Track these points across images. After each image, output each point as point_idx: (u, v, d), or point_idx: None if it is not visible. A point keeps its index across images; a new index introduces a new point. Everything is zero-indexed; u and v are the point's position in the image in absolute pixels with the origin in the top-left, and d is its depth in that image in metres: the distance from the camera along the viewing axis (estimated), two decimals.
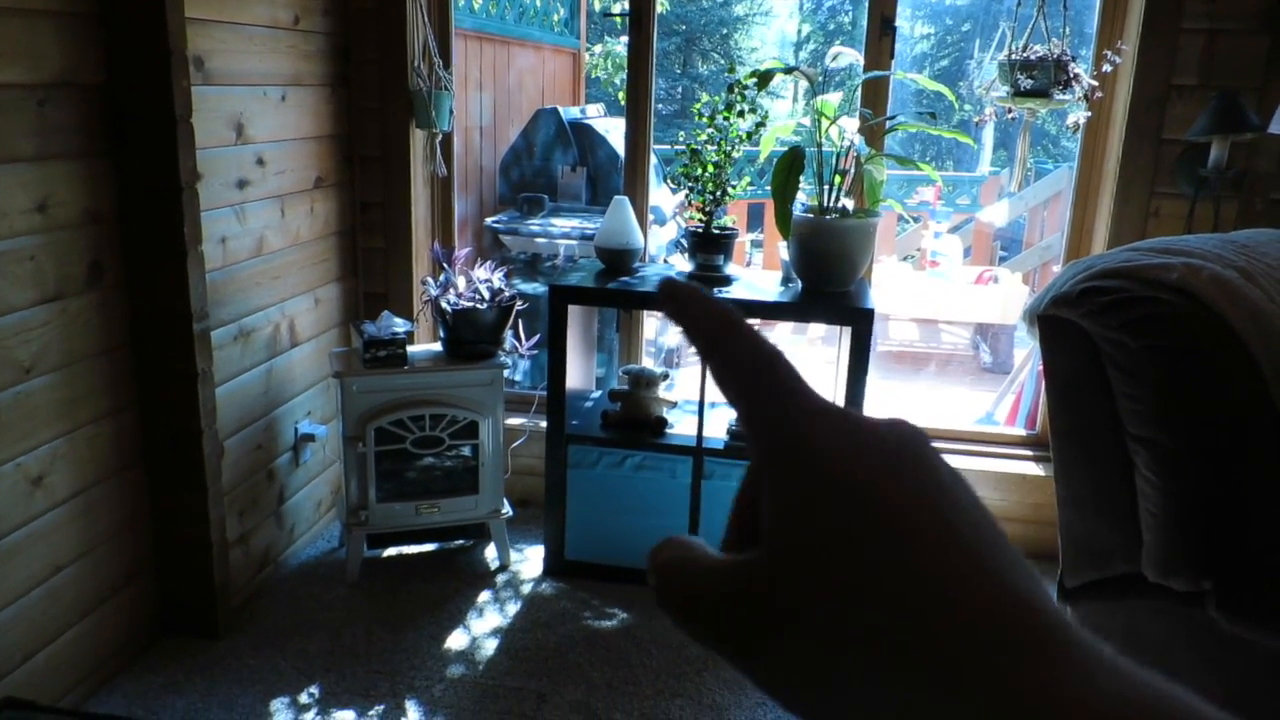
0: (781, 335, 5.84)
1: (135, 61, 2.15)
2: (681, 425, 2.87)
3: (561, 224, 3.89)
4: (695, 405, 2.80)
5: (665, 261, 4.16)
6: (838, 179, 2.67)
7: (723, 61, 13.27)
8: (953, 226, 6.71)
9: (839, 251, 2.62)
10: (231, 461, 2.56)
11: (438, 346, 2.85)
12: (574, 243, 3.84)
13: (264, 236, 2.63)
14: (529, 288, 3.81)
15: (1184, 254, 1.96)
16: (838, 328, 2.84)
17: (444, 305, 2.72)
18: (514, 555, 2.99)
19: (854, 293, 2.69)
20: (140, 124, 2.18)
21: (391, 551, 2.99)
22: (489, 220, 3.94)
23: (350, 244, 3.12)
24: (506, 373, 3.04)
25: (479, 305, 2.75)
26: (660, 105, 13.16)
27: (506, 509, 2.91)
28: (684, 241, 2.94)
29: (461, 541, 3.04)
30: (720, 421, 2.87)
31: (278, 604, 2.69)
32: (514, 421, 3.27)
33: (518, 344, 2.95)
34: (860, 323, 2.55)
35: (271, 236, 2.67)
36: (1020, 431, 3.25)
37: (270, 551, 2.80)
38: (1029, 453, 3.16)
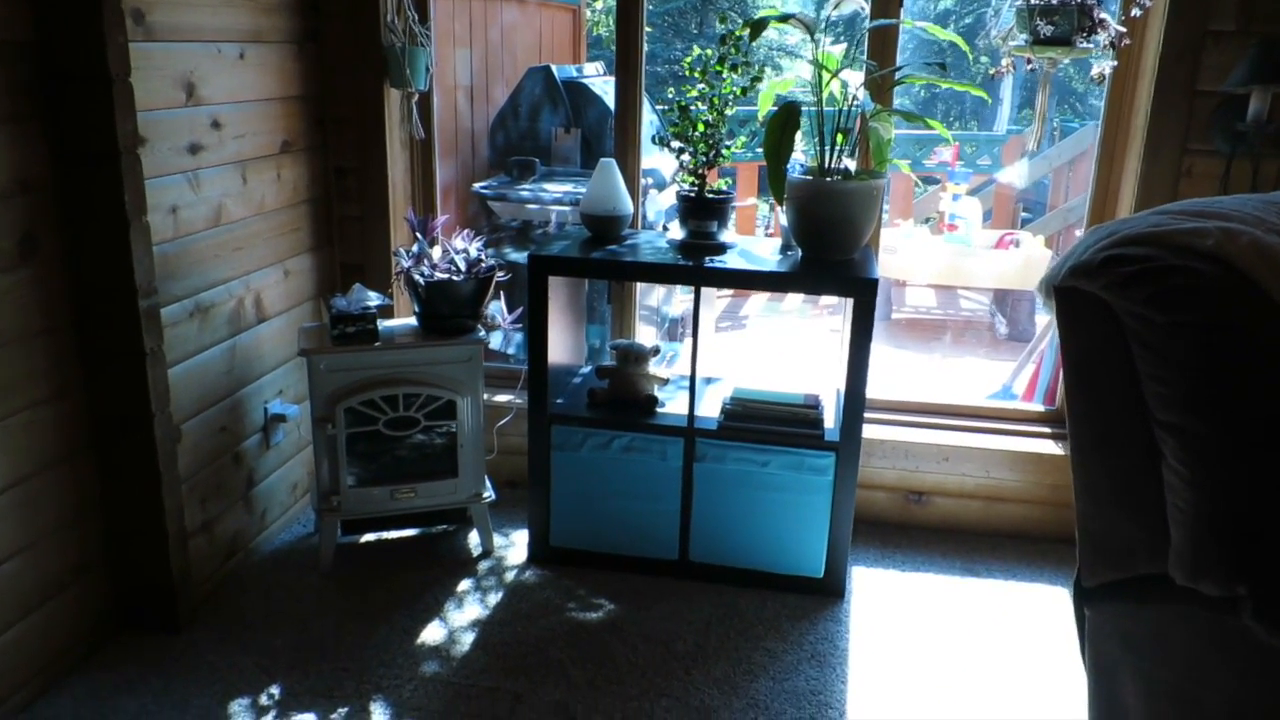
0: (791, 303, 5.64)
1: (64, 15, 1.96)
2: (673, 404, 2.69)
3: (554, 189, 3.70)
4: (688, 382, 2.61)
5: (663, 228, 3.96)
6: (839, 138, 2.47)
7: (741, 21, 12.92)
8: (972, 189, 6.45)
9: (841, 217, 2.42)
10: (190, 445, 2.40)
11: (413, 321, 2.67)
12: (567, 208, 3.65)
13: (223, 205, 2.46)
14: (519, 256, 3.63)
15: (1219, 217, 1.74)
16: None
17: (417, 277, 2.54)
18: (498, 540, 2.83)
19: (857, 261, 2.49)
20: (72, 84, 2.00)
21: (370, 537, 2.84)
22: (476, 185, 3.75)
23: (324, 212, 2.95)
24: (496, 345, 2.87)
25: (455, 277, 2.57)
26: (676, 66, 12.85)
27: (489, 492, 2.75)
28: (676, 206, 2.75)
29: (444, 527, 2.89)
30: (714, 400, 2.69)
31: (246, 595, 2.55)
32: (501, 398, 3.11)
33: (500, 317, 2.77)
34: (864, 294, 2.35)
35: (232, 205, 2.49)
36: (1039, 407, 3.05)
37: (239, 539, 2.65)
38: (1048, 430, 2.96)
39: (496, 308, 2.71)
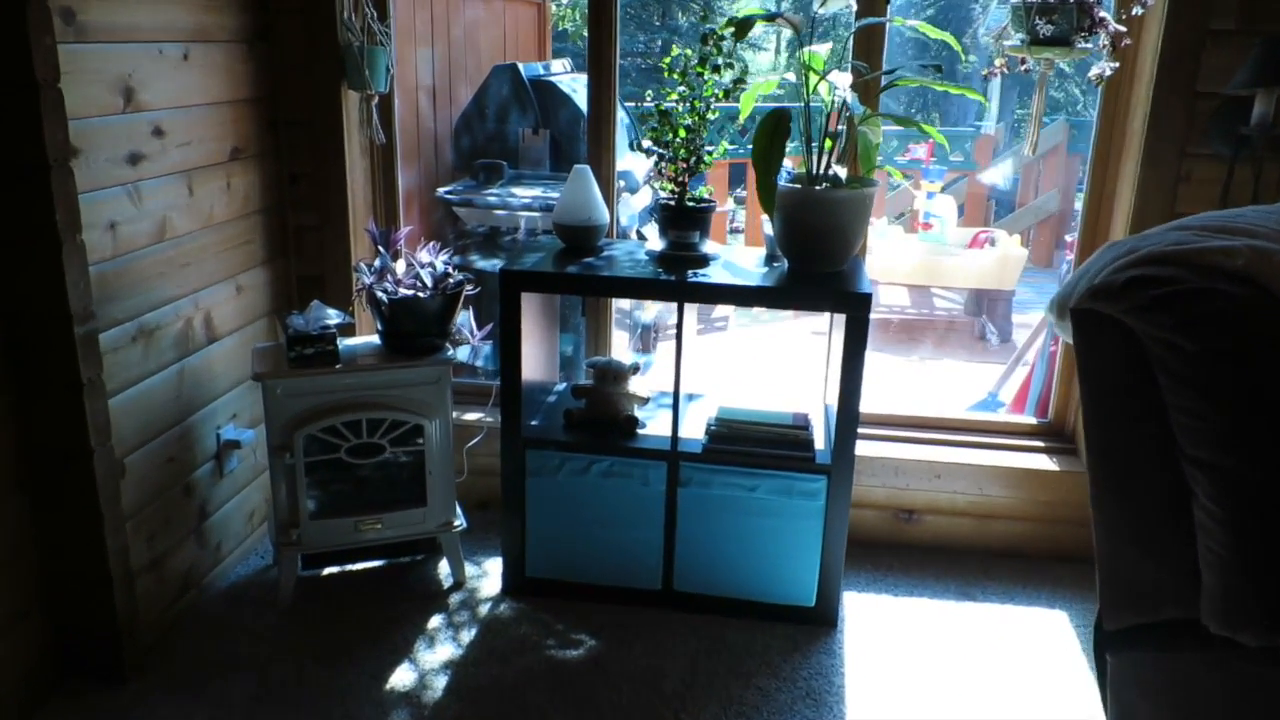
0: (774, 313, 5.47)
1: None
2: (654, 424, 2.54)
3: (522, 193, 3.53)
4: (669, 400, 2.47)
5: (637, 234, 3.81)
6: (828, 142, 2.33)
7: (703, 13, 12.77)
8: (944, 185, 6.37)
9: (831, 226, 2.28)
10: (136, 479, 2.22)
11: (376, 339, 2.51)
12: (536, 214, 3.49)
13: (167, 219, 2.27)
14: (488, 264, 3.46)
15: (1246, 233, 1.63)
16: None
17: (380, 295, 2.37)
18: (470, 570, 2.68)
19: (847, 273, 2.36)
20: None
21: (333, 569, 2.67)
22: (441, 190, 3.58)
23: (278, 222, 2.77)
24: (464, 357, 2.71)
25: (420, 294, 2.40)
26: (639, 60, 12.68)
27: (460, 520, 2.59)
28: (655, 215, 2.60)
29: (413, 556, 2.72)
30: (697, 419, 2.55)
31: (200, 637, 2.37)
32: (471, 417, 2.95)
33: (469, 332, 2.61)
34: (856, 309, 2.22)
35: (177, 218, 2.31)
36: (1030, 420, 2.94)
37: (192, 574, 2.47)
38: (1040, 444, 2.86)
39: (465, 320, 2.55)
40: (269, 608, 2.48)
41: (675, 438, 2.41)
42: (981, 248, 5.36)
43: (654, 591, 2.51)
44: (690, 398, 2.74)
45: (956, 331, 5.59)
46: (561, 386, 2.82)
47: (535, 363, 2.57)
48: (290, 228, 2.81)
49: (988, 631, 2.48)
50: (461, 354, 2.60)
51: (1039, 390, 2.98)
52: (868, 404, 2.83)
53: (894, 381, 4.69)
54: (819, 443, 2.46)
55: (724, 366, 4.55)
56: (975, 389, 4.21)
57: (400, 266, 2.44)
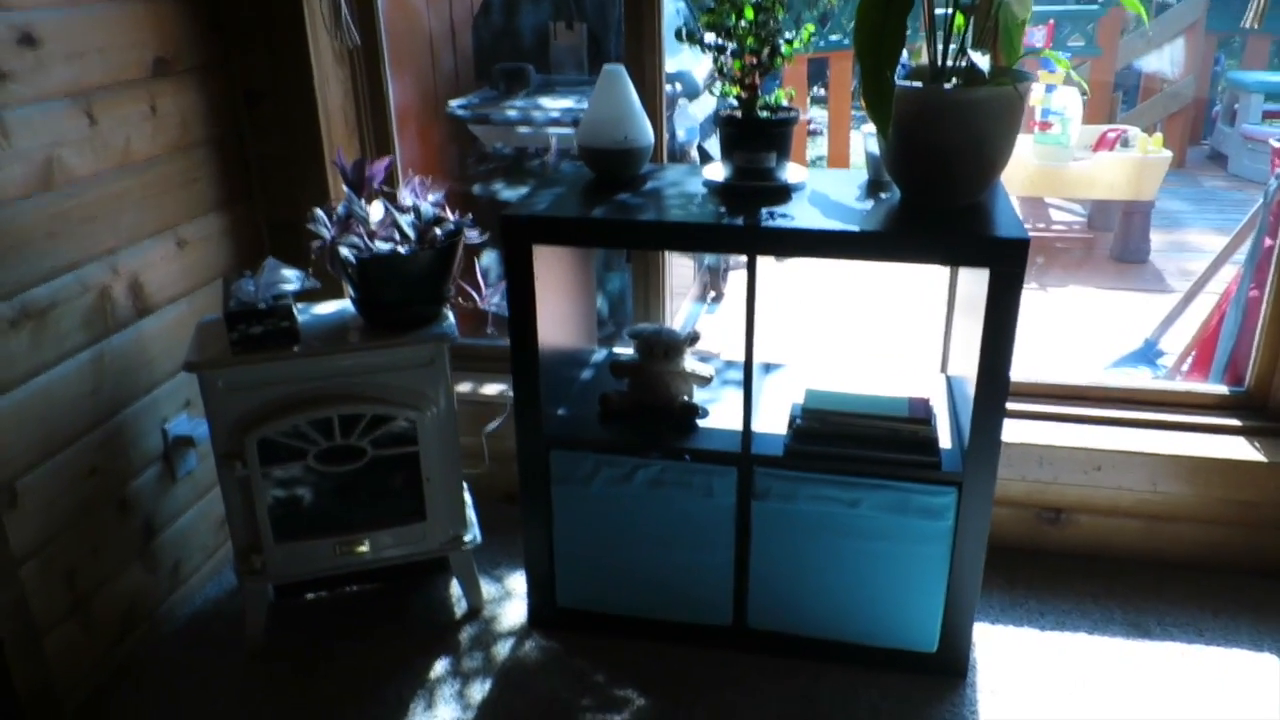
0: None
1: None
2: (720, 412, 1.92)
3: (552, 105, 2.86)
4: (740, 381, 1.85)
5: (694, 155, 3.11)
6: (958, 19, 1.63)
7: None
8: (1066, 75, 5.46)
9: (966, 141, 1.60)
10: (38, 506, 1.69)
11: (351, 306, 1.92)
12: (570, 129, 2.82)
13: (54, 160, 1.69)
14: (515, 195, 2.83)
15: None
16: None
17: (346, 252, 1.77)
18: (490, 589, 2.13)
19: (985, 207, 1.68)
20: None
21: (318, 593, 2.14)
22: (452, 104, 2.92)
23: (235, 154, 2.17)
24: (492, 305, 2.11)
25: (402, 248, 1.80)
26: None
27: (472, 534, 2.02)
28: (717, 129, 1.94)
29: (416, 573, 2.18)
30: (776, 404, 1.91)
31: (146, 690, 1.88)
32: (490, 390, 2.37)
33: (475, 291, 2.01)
34: (1005, 261, 1.55)
35: (71, 158, 1.72)
36: (1217, 389, 2.23)
37: (138, 608, 1.97)
38: (1235, 422, 2.16)
39: (490, 264, 1.95)
40: (237, 647, 1.97)
41: (748, 434, 1.78)
42: (1112, 149, 4.51)
43: (722, 629, 1.93)
44: (766, 369, 2.11)
45: (1078, 251, 4.78)
46: (600, 356, 2.21)
47: (561, 327, 1.95)
48: (252, 161, 2.22)
49: (1169, 682, 1.84)
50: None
51: (1229, 349, 2.27)
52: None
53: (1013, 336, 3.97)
54: (944, 439, 1.81)
55: (800, 317, 3.81)
56: (1114, 328, 3.46)
57: (374, 212, 1.83)
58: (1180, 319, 2.70)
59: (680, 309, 3.22)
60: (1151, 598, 2.08)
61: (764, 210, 1.68)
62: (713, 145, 3.29)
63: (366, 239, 1.79)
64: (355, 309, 1.89)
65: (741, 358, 1.75)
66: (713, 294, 3.97)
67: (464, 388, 2.37)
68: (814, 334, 3.66)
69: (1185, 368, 2.67)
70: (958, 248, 1.58)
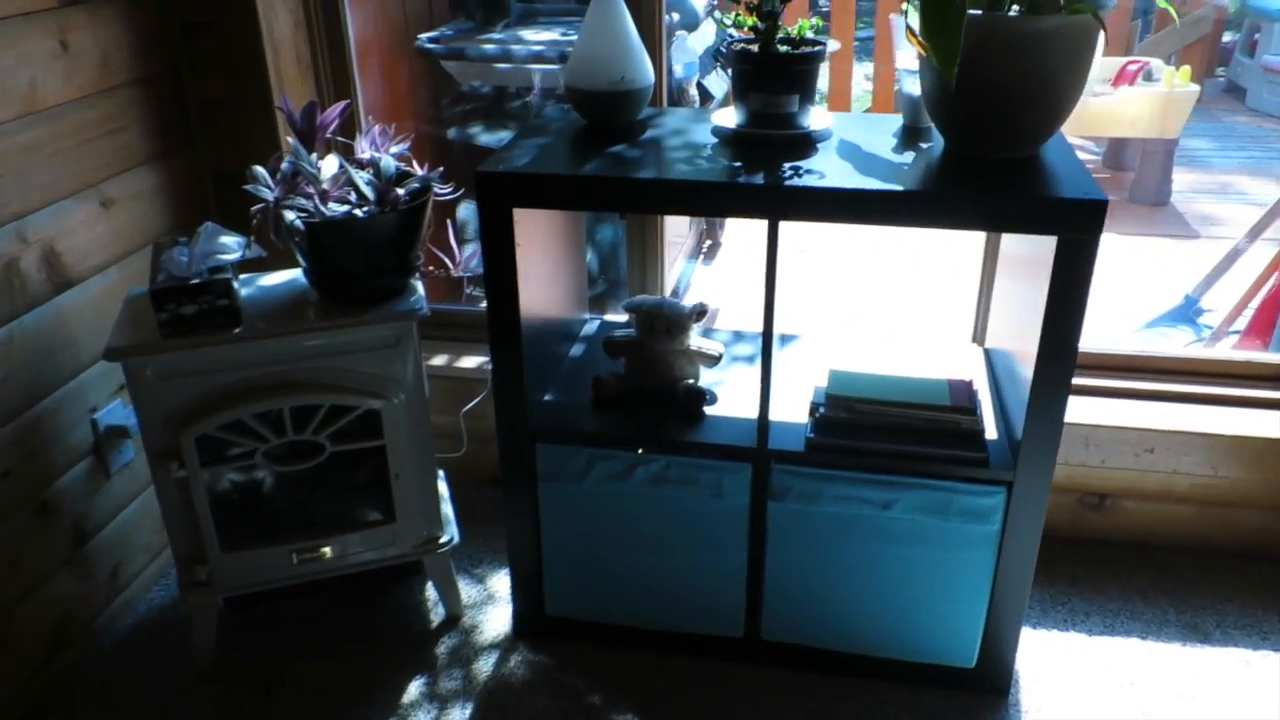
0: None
1: None
2: (730, 397, 1.68)
3: (535, 37, 2.55)
4: (751, 356, 1.62)
5: (693, 94, 2.80)
6: None
7: None
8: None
9: (1030, 81, 1.34)
10: None
11: (302, 277, 1.65)
12: (556, 66, 2.52)
13: None
14: (494, 139, 2.54)
15: None
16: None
17: (292, 217, 1.50)
18: (471, 591, 1.90)
19: (1044, 162, 1.42)
20: None
21: (274, 604, 1.91)
22: (422, 37, 2.60)
23: (171, 97, 1.88)
24: (468, 272, 1.87)
25: (360, 210, 1.53)
26: None
27: (449, 534, 1.79)
28: (726, 65, 1.66)
29: (388, 576, 1.95)
30: (796, 389, 1.67)
31: (82, 715, 1.65)
32: (468, 363, 2.12)
33: (448, 257, 1.75)
34: (1078, 227, 1.30)
35: None
36: (1275, 357, 2.00)
37: (70, 623, 1.73)
38: None
39: (467, 216, 1.69)
40: (186, 662, 1.74)
41: (765, 426, 1.54)
42: (1132, 83, 4.22)
43: (733, 641, 1.71)
44: (780, 342, 1.86)
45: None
46: (592, 326, 1.96)
47: (547, 297, 1.70)
48: (191, 105, 1.93)
49: (1234, 695, 1.64)
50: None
51: None
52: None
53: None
54: (989, 428, 1.57)
55: (811, 282, 3.45)
56: (1138, 279, 3.21)
57: (327, 168, 1.56)
58: (1227, 275, 2.47)
59: (674, 265, 2.95)
60: (1207, 594, 1.87)
61: (786, 165, 1.42)
62: (713, 82, 2.99)
63: (318, 200, 1.52)
64: (308, 281, 1.63)
65: (747, 325, 1.51)
66: (709, 243, 3.70)
67: (438, 361, 2.12)
68: (827, 298, 3.33)
69: (1238, 330, 2.44)
70: (1023, 212, 1.32)
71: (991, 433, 1.57)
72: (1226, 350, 2.04)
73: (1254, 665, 1.71)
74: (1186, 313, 2.76)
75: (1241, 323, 2.46)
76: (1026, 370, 1.45)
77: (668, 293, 2.16)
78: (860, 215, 1.35)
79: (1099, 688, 1.67)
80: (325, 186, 1.53)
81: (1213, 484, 1.90)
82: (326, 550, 1.69)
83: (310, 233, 1.50)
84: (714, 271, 3.54)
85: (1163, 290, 3.03)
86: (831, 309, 3.24)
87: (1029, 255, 1.51)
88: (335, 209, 1.53)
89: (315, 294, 1.62)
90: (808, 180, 1.36)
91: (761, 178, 1.38)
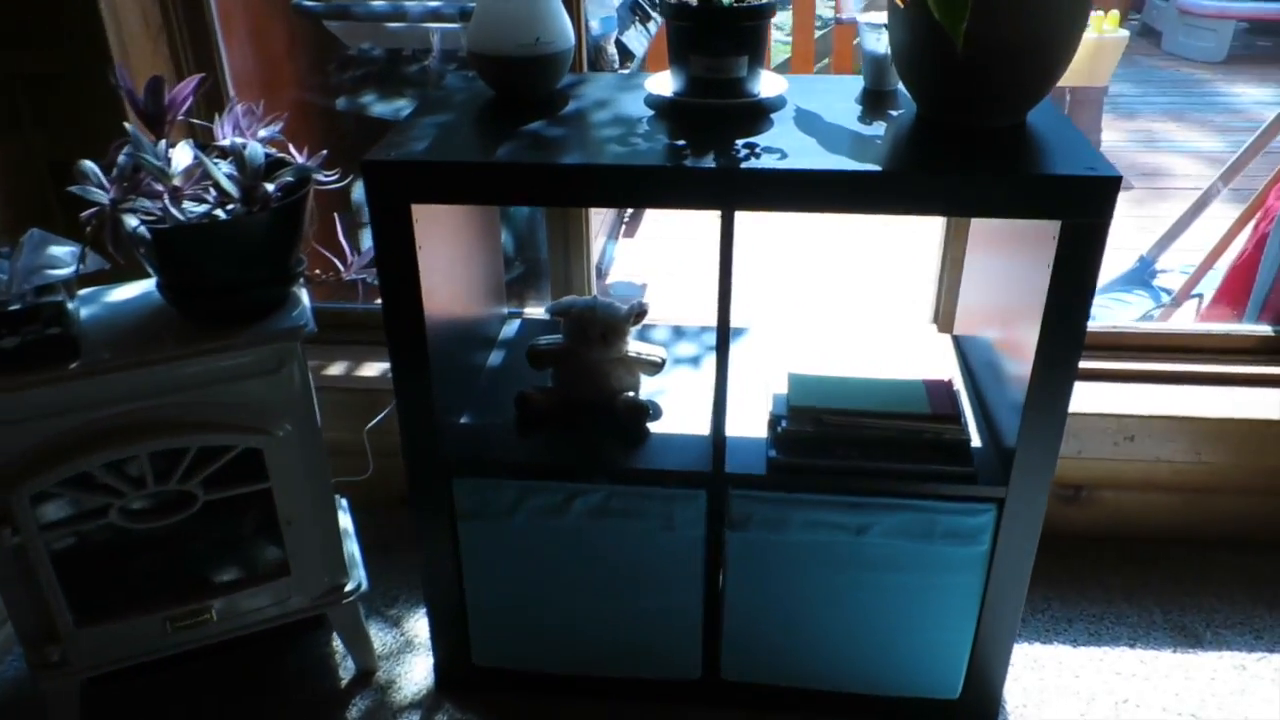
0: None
1: None
2: (676, 410, 1.46)
3: None
4: (694, 357, 1.40)
5: (612, 53, 2.51)
6: None
7: None
8: None
9: (1022, 36, 1.13)
10: None
11: (157, 292, 1.37)
12: (457, 25, 2.23)
13: None
14: (389, 109, 2.25)
15: None
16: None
17: (134, 223, 1.22)
18: (385, 639, 1.66)
19: (1034, 130, 1.22)
20: None
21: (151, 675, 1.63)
22: None
23: None
24: (361, 274, 1.59)
25: (222, 211, 1.25)
26: None
27: (356, 579, 1.54)
28: (647, 19, 1.41)
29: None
30: (749, 392, 1.46)
31: None
32: (369, 372, 1.86)
33: (338, 258, 1.48)
34: (1088, 210, 1.10)
35: None
36: (1260, 329, 1.86)
37: None
38: (1273, 370, 1.80)
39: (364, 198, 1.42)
40: None
41: (720, 444, 1.33)
42: None
43: (690, 683, 1.51)
44: (739, 333, 1.64)
45: None
46: (512, 328, 1.71)
47: (457, 298, 1.45)
48: (17, 81, 1.61)
49: (1232, 705, 1.51)
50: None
51: (1271, 279, 1.89)
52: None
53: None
54: (974, 437, 1.38)
55: (749, 263, 3.09)
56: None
57: (178, 159, 1.27)
58: (1184, 233, 2.34)
59: (595, 242, 2.71)
60: (1195, 590, 1.73)
61: (740, 143, 1.19)
62: (633, 38, 2.73)
63: (169, 200, 1.24)
64: (163, 297, 1.34)
65: (686, 316, 1.30)
66: (630, 212, 3.45)
67: (335, 370, 1.86)
68: (766, 279, 3.04)
69: (1204, 296, 2.31)
70: (1026, 194, 1.11)
71: (975, 439, 1.38)
72: (1206, 324, 1.90)
73: (1250, 670, 1.58)
74: (1142, 275, 2.63)
75: (1203, 287, 2.33)
76: (1015, 366, 1.26)
77: (591, 275, 1.92)
78: (833, 202, 1.13)
79: (1091, 709, 1.52)
80: (176, 182, 1.25)
81: (1195, 470, 1.75)
82: (209, 613, 1.43)
83: (159, 241, 1.22)
84: (637, 246, 3.29)
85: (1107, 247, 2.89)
86: (772, 292, 2.98)
87: (1013, 230, 1.32)
88: (192, 209, 1.25)
89: (174, 312, 1.34)
90: (768, 161, 1.13)
91: (712, 159, 1.14)
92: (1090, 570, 1.78)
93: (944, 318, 1.77)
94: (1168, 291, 2.43)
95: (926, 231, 1.88)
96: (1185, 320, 2.39)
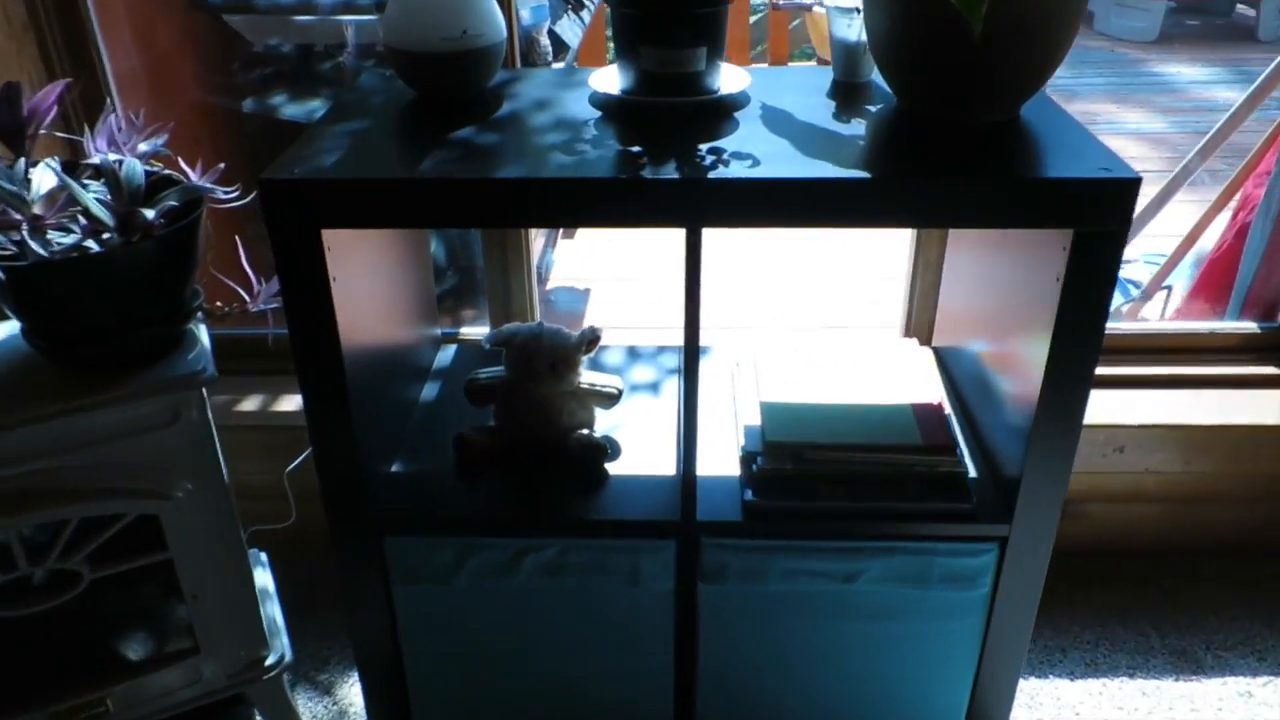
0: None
1: None
2: (636, 448, 1.30)
3: None
4: (661, 382, 1.25)
5: (544, 44, 2.33)
6: None
7: None
8: None
9: (1017, 21, 0.99)
10: None
11: (22, 338, 1.16)
12: (373, 17, 2.03)
13: None
14: (301, 110, 2.04)
15: None
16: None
17: None
18: (316, 712, 1.48)
19: (1032, 127, 1.08)
20: None
21: None
22: None
23: None
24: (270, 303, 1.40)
25: (93, 242, 1.06)
26: None
27: (279, 651, 1.35)
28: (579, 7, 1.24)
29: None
30: (717, 422, 1.30)
31: None
32: (286, 406, 1.67)
33: (243, 288, 1.29)
34: (1105, 217, 0.96)
35: None
36: (1245, 327, 1.77)
37: None
38: (1264, 370, 1.70)
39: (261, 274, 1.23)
40: None
41: (690, 487, 1.17)
42: None
43: None
44: (705, 352, 1.48)
45: None
46: (446, 355, 1.53)
47: (383, 324, 1.27)
48: None
49: None
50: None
51: (1254, 270, 1.79)
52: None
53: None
54: (970, 467, 1.25)
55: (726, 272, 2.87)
56: None
57: (40, 182, 1.07)
58: (1155, 220, 2.25)
59: (533, 246, 2.53)
60: (1190, 606, 1.63)
61: (703, 148, 1.03)
62: (566, 28, 2.54)
63: (28, 230, 1.04)
64: (29, 344, 1.14)
65: (638, 334, 1.13)
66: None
67: (249, 405, 1.67)
68: (721, 287, 2.79)
69: (1176, 288, 2.22)
70: (1037, 201, 0.97)
71: (970, 470, 1.24)
72: (1189, 323, 1.80)
73: (1257, 695, 1.48)
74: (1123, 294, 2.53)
75: (1174, 278, 2.24)
76: (1016, 385, 1.13)
77: (533, 288, 1.75)
78: (817, 216, 0.98)
79: None
80: (37, 210, 1.05)
81: (1183, 479, 1.65)
82: (104, 705, 1.23)
83: (14, 281, 1.02)
84: (577, 248, 3.11)
85: None
86: (728, 300, 2.74)
87: (1006, 230, 1.18)
88: (59, 240, 1.05)
89: (45, 361, 1.14)
90: (739, 169, 0.97)
91: (674, 168, 0.98)
92: (1080, 590, 1.67)
93: (918, 327, 1.63)
94: (1135, 284, 2.34)
95: (892, 229, 1.74)
96: (1154, 314, 2.30)
